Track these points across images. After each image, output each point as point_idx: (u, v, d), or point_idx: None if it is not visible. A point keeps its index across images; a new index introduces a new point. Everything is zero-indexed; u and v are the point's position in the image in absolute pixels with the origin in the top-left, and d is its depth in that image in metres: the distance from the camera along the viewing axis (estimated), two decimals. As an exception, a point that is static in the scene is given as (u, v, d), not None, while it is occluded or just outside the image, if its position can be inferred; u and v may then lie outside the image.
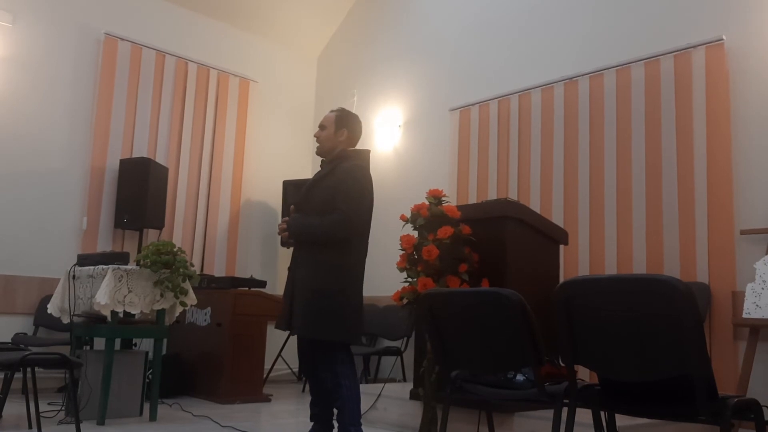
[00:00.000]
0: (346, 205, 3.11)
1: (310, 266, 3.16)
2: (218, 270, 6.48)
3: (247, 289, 5.40)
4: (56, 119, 5.77)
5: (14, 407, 4.18)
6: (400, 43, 6.88)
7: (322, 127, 3.38)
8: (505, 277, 3.66)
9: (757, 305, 3.73)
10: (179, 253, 4.23)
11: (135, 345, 4.74)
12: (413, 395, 3.98)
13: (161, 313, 4.24)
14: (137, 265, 4.14)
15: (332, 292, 3.09)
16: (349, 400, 3.08)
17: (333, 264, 3.13)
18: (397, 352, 5.69)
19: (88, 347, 4.74)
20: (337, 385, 3.09)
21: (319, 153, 3.40)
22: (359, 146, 3.46)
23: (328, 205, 3.14)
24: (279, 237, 6.35)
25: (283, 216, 6.60)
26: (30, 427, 3.61)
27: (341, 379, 3.09)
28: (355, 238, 3.19)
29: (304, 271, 3.17)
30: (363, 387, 3.56)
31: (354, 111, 3.50)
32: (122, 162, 5.87)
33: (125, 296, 4.01)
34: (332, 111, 3.43)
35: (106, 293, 3.91)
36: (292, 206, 3.32)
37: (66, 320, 4.28)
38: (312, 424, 3.28)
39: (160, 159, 6.15)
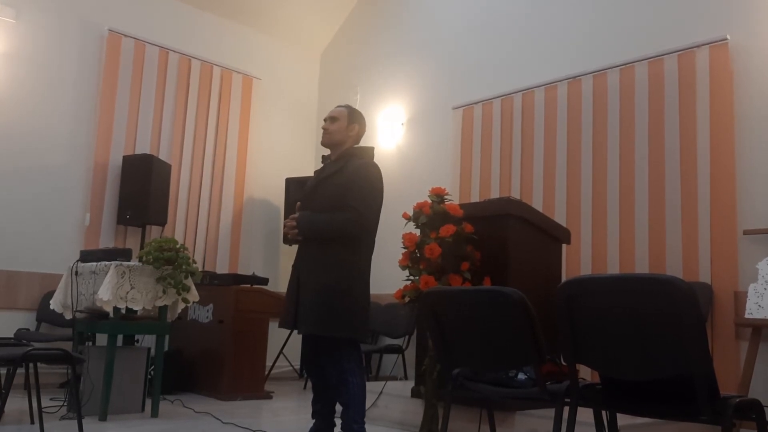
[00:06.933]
0: (358, 203, 3.09)
1: (318, 263, 3.14)
2: (220, 267, 6.49)
3: (249, 286, 5.41)
4: (59, 115, 5.77)
5: (16, 403, 4.19)
6: (403, 41, 6.87)
7: (333, 119, 3.32)
8: (507, 276, 3.66)
9: (759, 305, 3.72)
10: (182, 249, 4.23)
11: (137, 341, 4.75)
12: (415, 393, 3.98)
13: (163, 309, 4.25)
14: (140, 261, 4.14)
15: (341, 288, 3.08)
16: (355, 397, 3.08)
17: (342, 261, 3.11)
18: (399, 350, 5.69)
19: (90, 343, 4.75)
20: (344, 381, 3.08)
21: (327, 144, 3.34)
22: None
23: (338, 203, 3.12)
24: (281, 234, 6.37)
25: (286, 213, 6.61)
26: (32, 422, 3.62)
27: (348, 376, 3.08)
28: (364, 236, 3.18)
29: (312, 268, 3.15)
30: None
31: (357, 108, 3.49)
32: (125, 158, 5.88)
33: (127, 292, 4.02)
34: (340, 106, 3.40)
35: (109, 289, 3.92)
36: (298, 203, 3.30)
37: (68, 316, 4.29)
38: (314, 421, 3.28)
39: (163, 156, 6.15)
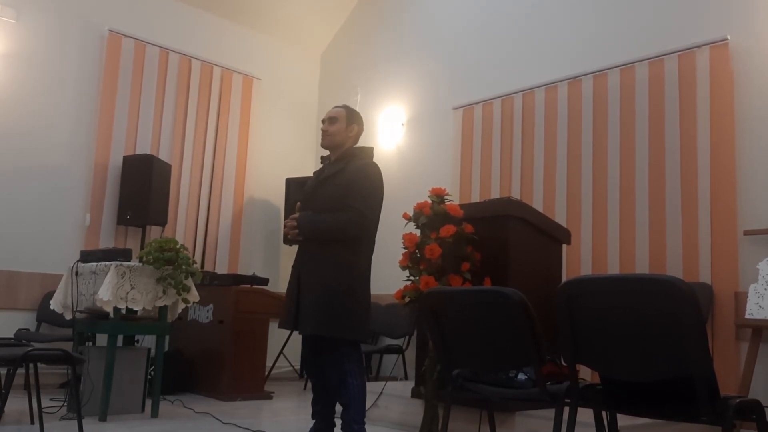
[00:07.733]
0: (359, 203, 3.09)
1: (318, 264, 3.13)
2: (220, 267, 6.49)
3: (249, 286, 5.41)
4: (60, 116, 5.77)
5: (16, 403, 4.19)
6: (403, 41, 6.87)
7: (332, 119, 3.32)
8: (507, 276, 3.66)
9: (759, 306, 3.72)
10: (182, 250, 4.23)
11: (137, 341, 4.75)
12: (415, 394, 3.98)
13: (163, 309, 4.25)
14: (140, 261, 4.14)
15: (342, 289, 3.08)
16: (356, 397, 3.08)
17: (342, 261, 3.11)
18: (399, 351, 5.69)
19: (90, 343, 4.75)
20: (344, 382, 3.09)
21: (327, 146, 3.34)
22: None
23: (339, 203, 3.12)
24: (281, 234, 6.37)
25: (286, 214, 6.60)
26: (32, 422, 3.62)
27: (348, 377, 3.09)
28: (364, 236, 3.18)
29: (313, 268, 3.15)
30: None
31: (357, 109, 3.49)
32: (125, 159, 5.88)
33: (128, 293, 4.02)
34: (338, 107, 3.40)
35: (109, 290, 3.92)
36: (298, 203, 3.30)
37: (68, 316, 4.29)
38: (314, 421, 3.28)
39: (163, 156, 6.15)
